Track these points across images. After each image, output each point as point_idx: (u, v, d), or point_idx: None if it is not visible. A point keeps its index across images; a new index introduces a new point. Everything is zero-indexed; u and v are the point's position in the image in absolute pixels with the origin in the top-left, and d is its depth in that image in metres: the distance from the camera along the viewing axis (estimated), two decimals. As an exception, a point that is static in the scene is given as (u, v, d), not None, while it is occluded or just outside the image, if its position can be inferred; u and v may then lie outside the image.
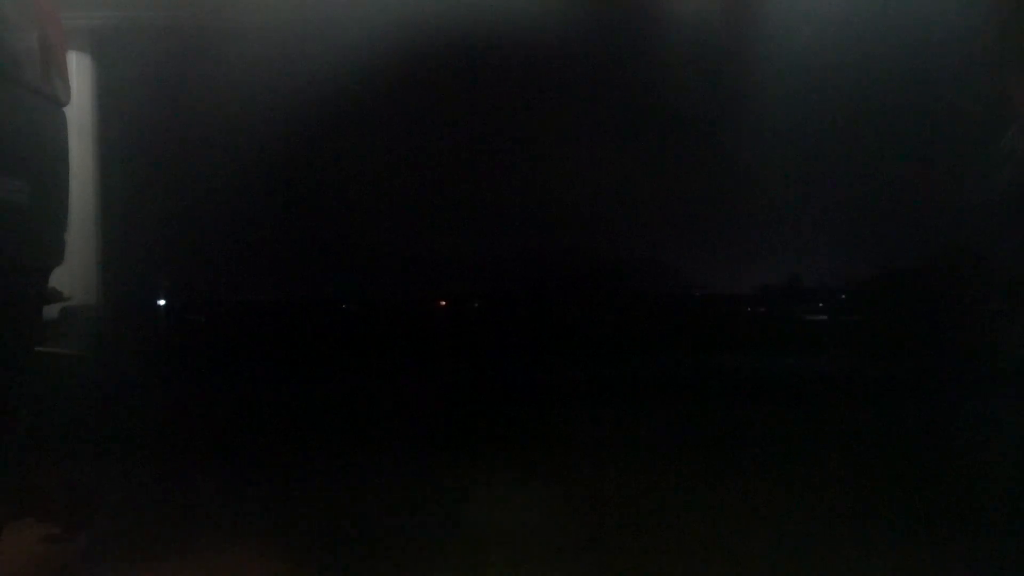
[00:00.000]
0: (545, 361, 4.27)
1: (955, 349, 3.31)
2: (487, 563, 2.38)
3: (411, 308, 5.26)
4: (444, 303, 5.31)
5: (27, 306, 1.73)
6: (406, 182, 4.00)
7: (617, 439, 3.33)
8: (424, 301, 5.05)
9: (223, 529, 2.47)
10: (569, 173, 3.78)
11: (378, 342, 4.40)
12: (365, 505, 2.75)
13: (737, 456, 3.07)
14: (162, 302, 4.38)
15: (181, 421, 3.63)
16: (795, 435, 3.11)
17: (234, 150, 3.60)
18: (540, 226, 4.06)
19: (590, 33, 3.62)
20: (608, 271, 4.45)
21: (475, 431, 3.52)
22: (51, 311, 2.72)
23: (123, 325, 3.74)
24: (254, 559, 2.25)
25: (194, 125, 3.66)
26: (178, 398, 3.79)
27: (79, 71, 3.34)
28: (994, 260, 3.31)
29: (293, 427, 3.78)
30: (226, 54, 3.38)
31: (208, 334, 4.28)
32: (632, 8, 3.69)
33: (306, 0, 3.41)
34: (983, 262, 3.38)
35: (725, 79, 3.61)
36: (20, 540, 2.19)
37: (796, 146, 3.57)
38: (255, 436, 3.60)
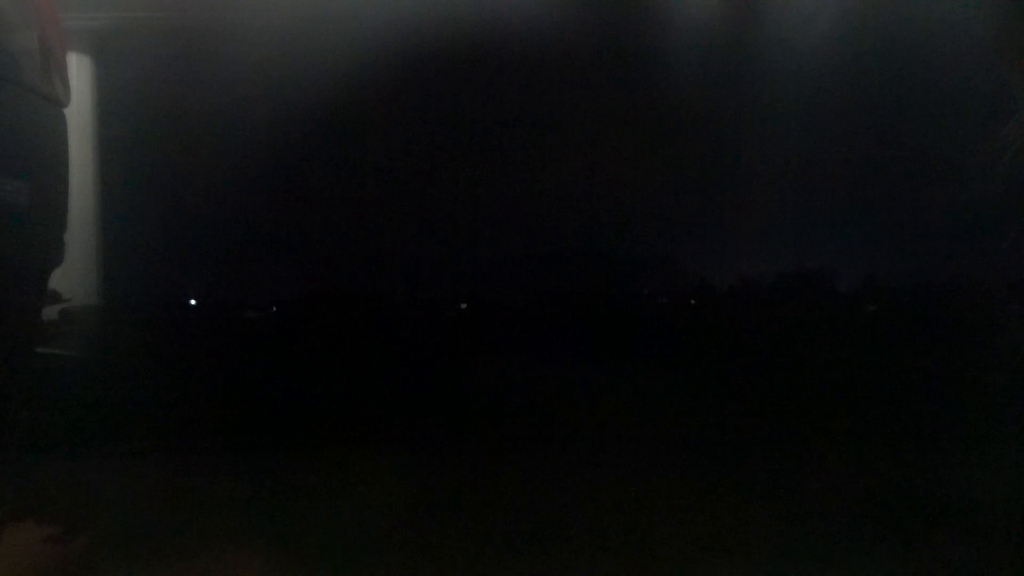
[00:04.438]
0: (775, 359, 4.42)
1: None
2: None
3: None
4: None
5: (27, 307, 1.73)
6: (412, 183, 4.01)
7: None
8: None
9: (223, 529, 2.47)
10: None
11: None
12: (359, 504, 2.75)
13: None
14: (161, 302, 4.37)
15: (182, 421, 3.63)
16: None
17: (233, 150, 3.60)
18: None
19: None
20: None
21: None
22: (51, 312, 2.72)
23: (122, 325, 3.74)
24: (254, 559, 2.25)
25: (194, 126, 3.66)
26: (178, 398, 3.80)
27: (79, 72, 3.34)
28: None
29: (291, 427, 3.79)
30: (226, 55, 3.38)
31: (208, 333, 4.29)
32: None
33: (303, 2, 3.42)
34: None
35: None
36: (20, 541, 2.19)
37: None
38: (256, 436, 3.61)
